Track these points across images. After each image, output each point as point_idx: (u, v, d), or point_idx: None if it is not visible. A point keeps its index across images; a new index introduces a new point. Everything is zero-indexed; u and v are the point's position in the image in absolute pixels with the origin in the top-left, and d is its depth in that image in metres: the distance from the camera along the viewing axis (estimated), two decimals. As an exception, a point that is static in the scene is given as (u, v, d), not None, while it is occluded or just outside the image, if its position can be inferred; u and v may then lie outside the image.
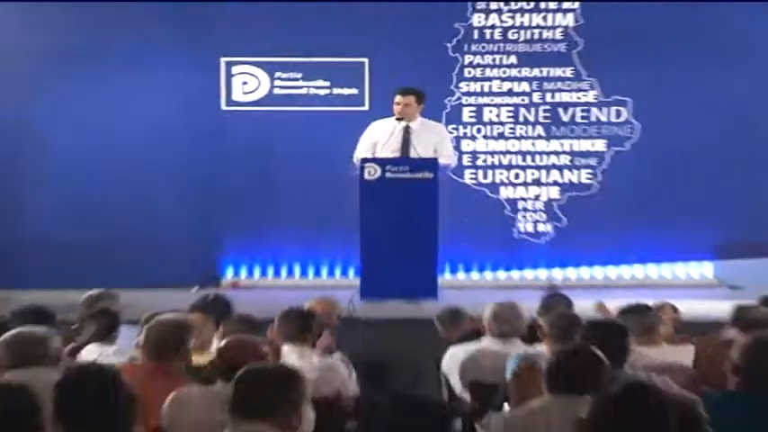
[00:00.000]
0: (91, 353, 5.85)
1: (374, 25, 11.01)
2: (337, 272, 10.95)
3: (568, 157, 11.35)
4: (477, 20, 11.38)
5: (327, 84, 11.19)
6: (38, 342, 5.07)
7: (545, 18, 11.45)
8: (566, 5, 11.41)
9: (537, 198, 11.34)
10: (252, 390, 3.93)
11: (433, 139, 9.40)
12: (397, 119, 9.27)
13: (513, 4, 11.48)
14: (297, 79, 11.24)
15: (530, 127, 11.38)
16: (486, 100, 11.37)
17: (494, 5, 11.47)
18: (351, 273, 10.45)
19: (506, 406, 5.13)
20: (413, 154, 9.21)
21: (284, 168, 10.97)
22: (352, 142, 9.40)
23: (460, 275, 11.00)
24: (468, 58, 11.31)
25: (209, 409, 4.59)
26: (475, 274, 11.21)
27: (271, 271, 11.14)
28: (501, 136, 11.34)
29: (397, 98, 9.32)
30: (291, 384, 4.03)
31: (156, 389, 4.72)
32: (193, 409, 4.74)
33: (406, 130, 9.25)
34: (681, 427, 3.45)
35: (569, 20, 11.42)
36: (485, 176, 11.32)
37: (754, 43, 11.04)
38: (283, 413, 3.93)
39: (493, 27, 11.43)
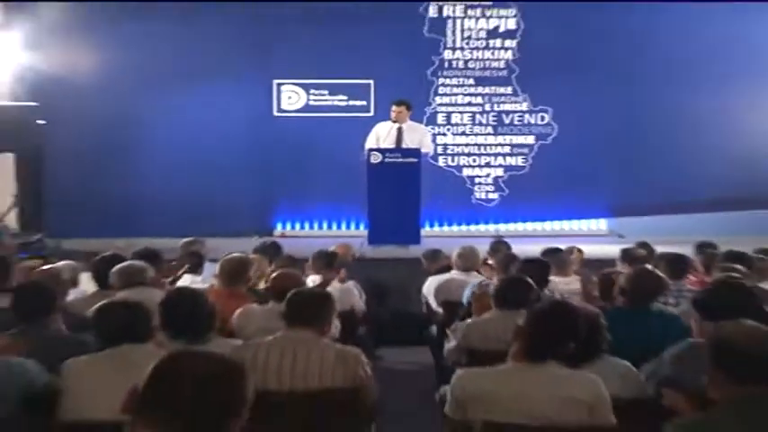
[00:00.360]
0: (185, 281, 5.97)
1: (377, 59, 11.05)
2: (352, 226, 10.92)
3: (509, 148, 11.47)
4: (447, 54, 11.44)
5: (345, 98, 11.23)
6: (138, 271, 5.15)
7: (492, 53, 11.46)
8: (506, 44, 11.39)
9: (488, 176, 11.43)
10: (299, 306, 3.98)
11: (417, 136, 9.48)
12: (393, 121, 9.34)
13: (472, 42, 11.48)
14: (324, 94, 11.32)
15: (483, 127, 11.47)
16: (453, 109, 11.44)
17: (458, 45, 11.47)
18: (361, 227, 10.27)
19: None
20: (404, 145, 9.29)
21: (316, 155, 10.90)
22: (362, 137, 9.43)
23: (435, 228, 11.03)
24: (441, 80, 11.38)
25: (266, 320, 4.57)
26: (445, 227, 11.26)
27: (307, 225, 11.16)
28: (463, 133, 11.42)
29: (393, 107, 9.39)
30: (325, 303, 4.07)
31: (229, 305, 4.81)
32: (255, 320, 4.76)
33: (399, 130, 9.33)
34: (588, 331, 3.53)
35: (509, 55, 11.44)
36: (452, 161, 11.41)
37: (631, 67, 11.15)
38: (320, 322, 3.97)
39: (458, 59, 11.48)
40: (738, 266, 5.67)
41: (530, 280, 4.74)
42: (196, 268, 6.29)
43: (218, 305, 4.23)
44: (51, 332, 4.11)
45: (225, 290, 5.23)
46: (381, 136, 9.38)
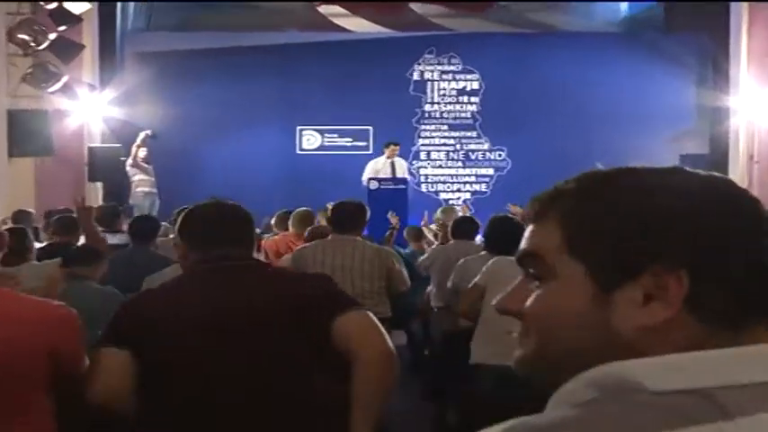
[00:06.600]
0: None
1: (375, 110, 10.96)
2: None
3: (474, 178, 11.53)
4: (427, 107, 11.47)
5: (351, 139, 11.24)
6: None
7: (461, 107, 11.45)
8: (472, 100, 11.45)
9: (459, 198, 11.35)
10: (344, 216, 3.95)
11: (405, 168, 9.72)
12: (388, 157, 9.57)
13: (445, 98, 11.46)
14: (335, 137, 11.30)
15: (454, 162, 11.54)
16: (432, 148, 11.52)
17: (436, 100, 11.45)
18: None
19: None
20: (398, 175, 9.48)
21: (329, 182, 10.27)
22: (362, 171, 9.66)
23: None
24: (422, 127, 11.44)
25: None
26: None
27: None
28: (440, 166, 11.54)
29: (390, 147, 9.60)
30: (364, 213, 4.05)
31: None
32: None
33: (392, 163, 9.57)
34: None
35: (474, 108, 11.41)
36: (432, 187, 11.49)
37: (564, 116, 10.79)
38: (361, 229, 4.01)
39: (435, 111, 11.50)
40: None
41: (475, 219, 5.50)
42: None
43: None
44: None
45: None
46: (379, 169, 9.57)
